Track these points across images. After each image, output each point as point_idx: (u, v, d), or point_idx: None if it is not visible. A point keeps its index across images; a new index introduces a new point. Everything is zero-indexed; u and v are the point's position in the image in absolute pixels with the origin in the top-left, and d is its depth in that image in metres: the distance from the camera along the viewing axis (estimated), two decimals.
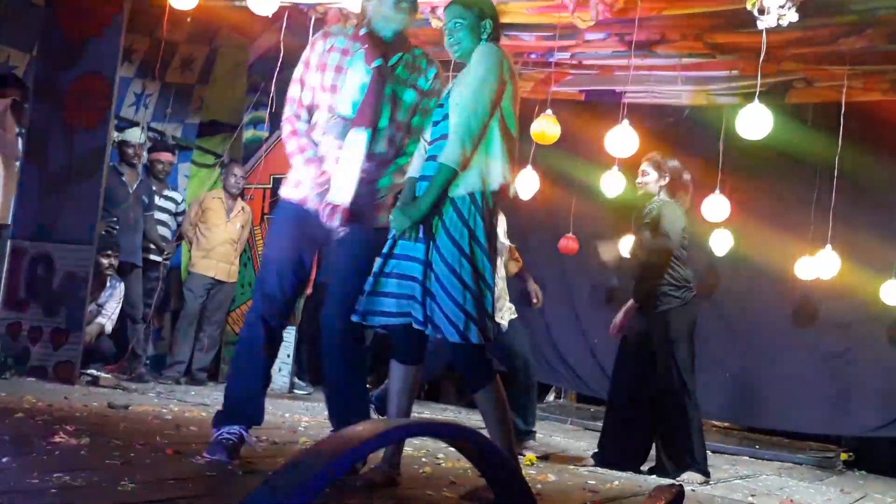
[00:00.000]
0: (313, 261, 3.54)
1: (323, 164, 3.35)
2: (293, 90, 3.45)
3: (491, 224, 3.15)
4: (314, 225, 3.35)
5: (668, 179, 5.09)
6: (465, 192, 3.08)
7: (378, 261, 3.19)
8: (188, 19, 6.35)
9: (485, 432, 3.13)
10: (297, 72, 3.47)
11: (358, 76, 3.34)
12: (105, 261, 6.34)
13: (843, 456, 7.20)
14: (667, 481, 4.54)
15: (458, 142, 3.04)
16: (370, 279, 3.18)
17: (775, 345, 7.69)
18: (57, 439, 3.08)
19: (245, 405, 3.43)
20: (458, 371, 3.25)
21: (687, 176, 5.18)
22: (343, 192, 3.27)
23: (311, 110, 3.43)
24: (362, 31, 3.43)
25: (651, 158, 5.18)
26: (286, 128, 3.45)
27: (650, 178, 5.13)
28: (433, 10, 5.71)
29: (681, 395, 4.84)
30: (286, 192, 3.45)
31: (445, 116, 3.16)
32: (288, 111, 3.45)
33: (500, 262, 5.23)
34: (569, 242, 7.68)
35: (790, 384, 7.55)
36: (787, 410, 7.58)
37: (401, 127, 3.40)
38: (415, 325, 3.11)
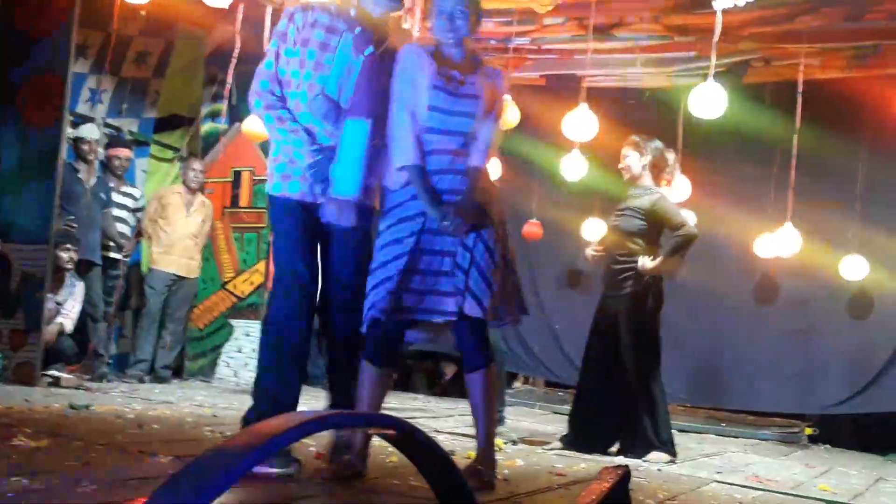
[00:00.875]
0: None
1: (312, 142, 3.23)
2: (267, 64, 3.30)
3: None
4: (315, 217, 3.26)
5: (650, 158, 5.05)
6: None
7: (403, 257, 3.12)
8: (142, 13, 6.24)
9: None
10: (272, 44, 3.34)
11: (347, 59, 3.23)
12: (64, 255, 6.19)
13: (808, 431, 7.28)
14: (634, 461, 4.58)
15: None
16: (394, 276, 3.10)
17: (737, 323, 7.75)
18: (15, 442, 3.02)
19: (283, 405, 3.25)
20: (464, 346, 3.22)
21: (670, 155, 5.14)
22: (350, 187, 3.17)
23: (282, 85, 3.29)
24: (353, 12, 3.31)
25: (630, 141, 5.12)
26: (259, 102, 3.29)
27: (632, 160, 5.06)
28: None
29: (647, 376, 4.86)
30: (277, 187, 3.31)
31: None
32: (259, 86, 3.29)
33: None
34: (532, 228, 7.68)
35: (753, 363, 7.62)
36: (751, 389, 7.66)
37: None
38: (443, 319, 3.14)
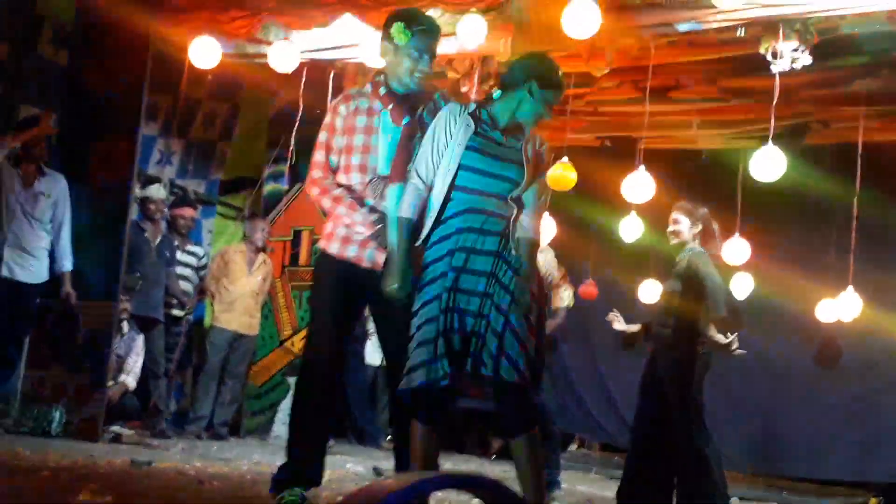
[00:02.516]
0: (359, 317, 3.59)
1: (370, 214, 3.40)
2: (319, 155, 3.54)
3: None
4: (363, 282, 3.41)
5: (700, 227, 5.07)
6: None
7: (438, 318, 3.16)
8: (209, 77, 6.45)
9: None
10: (322, 137, 3.56)
11: (389, 135, 3.45)
12: (120, 306, 6.34)
13: (873, 501, 7.07)
14: None
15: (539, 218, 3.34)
16: (438, 340, 3.14)
17: (799, 389, 7.60)
18: (81, 498, 3.08)
19: (305, 467, 3.45)
20: (504, 412, 3.21)
21: (714, 225, 5.18)
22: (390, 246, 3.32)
23: (335, 173, 3.52)
24: (382, 91, 3.51)
25: (682, 207, 5.14)
26: (315, 189, 3.52)
27: (683, 227, 5.07)
28: (449, 62, 5.78)
29: (700, 442, 4.80)
30: (333, 247, 3.49)
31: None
32: (315, 174, 3.52)
33: None
34: (588, 288, 7.66)
35: (815, 429, 7.45)
36: (814, 457, 7.48)
37: None
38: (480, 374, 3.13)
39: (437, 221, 3.25)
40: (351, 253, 3.45)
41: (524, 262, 3.25)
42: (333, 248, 3.48)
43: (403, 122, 3.44)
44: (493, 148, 3.28)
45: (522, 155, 3.30)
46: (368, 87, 3.60)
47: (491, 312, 3.15)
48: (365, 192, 3.44)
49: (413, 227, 3.28)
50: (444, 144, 3.27)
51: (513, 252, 3.24)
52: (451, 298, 3.16)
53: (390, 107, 3.47)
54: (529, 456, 3.18)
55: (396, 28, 3.46)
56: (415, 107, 3.48)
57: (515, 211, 3.28)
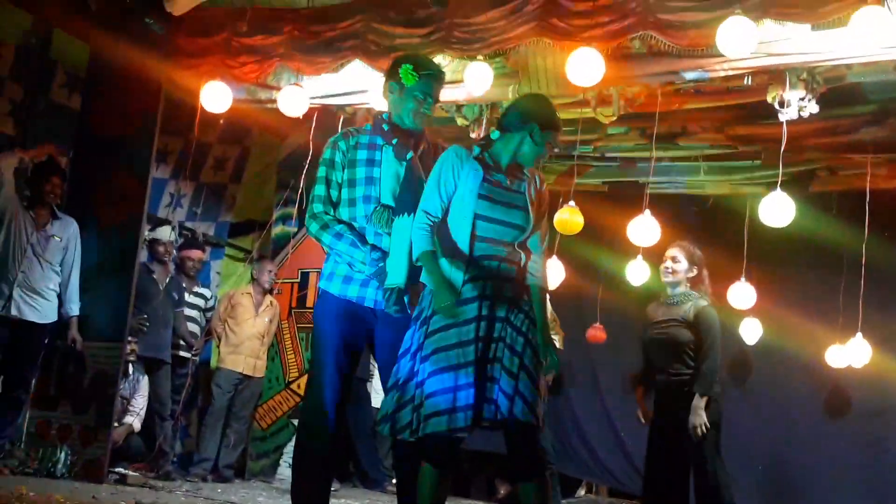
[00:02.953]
0: (361, 357, 3.60)
1: (372, 252, 3.43)
2: (319, 189, 3.56)
3: None
4: (365, 321, 3.46)
5: (696, 272, 5.11)
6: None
7: (460, 364, 3.16)
8: (220, 121, 6.52)
9: None
10: (321, 171, 3.59)
11: (392, 168, 3.49)
12: (126, 347, 6.34)
13: None
14: None
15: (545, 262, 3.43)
16: (462, 390, 3.13)
17: (808, 435, 7.52)
18: None
19: None
20: (516, 455, 3.19)
21: (705, 270, 5.21)
22: (398, 276, 3.34)
23: (336, 207, 3.54)
24: (385, 127, 3.58)
25: (682, 246, 5.18)
26: (315, 224, 3.53)
27: (681, 267, 5.12)
28: (459, 108, 5.84)
29: (726, 488, 4.80)
30: (335, 288, 3.50)
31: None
32: (315, 208, 3.54)
33: None
34: (596, 332, 7.65)
35: (825, 476, 7.36)
36: (822, 503, 7.38)
37: None
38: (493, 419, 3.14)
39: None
40: (353, 293, 3.47)
41: (536, 306, 3.28)
42: (334, 287, 3.50)
43: (407, 156, 3.51)
44: (500, 194, 3.33)
45: (527, 198, 3.35)
46: (368, 126, 3.69)
47: (504, 355, 3.16)
48: (367, 225, 3.48)
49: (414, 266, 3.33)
50: (453, 186, 3.31)
51: (525, 297, 3.28)
52: (478, 346, 3.18)
53: (394, 141, 3.54)
54: (541, 501, 3.16)
55: (404, 70, 3.53)
56: (417, 144, 3.56)
57: (524, 257, 3.32)
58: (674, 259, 5.16)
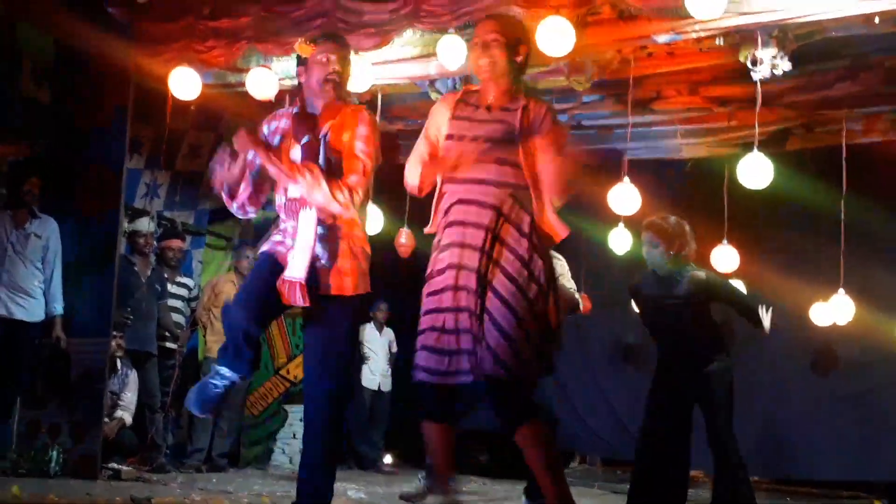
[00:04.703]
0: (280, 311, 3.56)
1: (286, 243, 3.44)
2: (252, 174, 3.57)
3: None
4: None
5: (676, 245, 4.90)
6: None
7: (429, 314, 3.13)
8: (192, 107, 6.45)
9: None
10: (249, 154, 3.52)
11: (296, 155, 3.44)
12: (112, 342, 6.32)
13: (877, 503, 7.06)
14: None
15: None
16: (431, 333, 3.11)
17: (797, 393, 7.60)
18: None
19: None
20: (498, 411, 3.07)
21: (687, 227, 5.05)
22: (297, 269, 3.33)
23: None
24: (294, 110, 3.53)
25: (653, 224, 4.94)
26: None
27: (658, 251, 4.90)
28: (432, 83, 5.80)
29: (738, 452, 4.84)
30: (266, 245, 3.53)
31: None
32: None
33: None
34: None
35: (815, 432, 7.45)
36: (815, 459, 7.46)
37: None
38: (461, 380, 3.06)
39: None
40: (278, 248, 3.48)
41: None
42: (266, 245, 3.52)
43: (303, 140, 3.42)
44: (477, 113, 3.24)
45: (505, 115, 3.20)
46: (297, 109, 3.57)
47: (471, 306, 3.07)
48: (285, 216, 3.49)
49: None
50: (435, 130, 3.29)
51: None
52: (440, 299, 3.12)
53: (290, 124, 3.50)
54: (538, 448, 3.05)
55: (299, 44, 3.51)
56: (319, 126, 3.44)
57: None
58: (650, 243, 4.97)
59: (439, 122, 3.26)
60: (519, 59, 3.23)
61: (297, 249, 3.35)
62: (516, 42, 3.22)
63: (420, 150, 3.29)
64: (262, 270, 3.47)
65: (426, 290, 3.19)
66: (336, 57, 3.47)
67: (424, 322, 3.16)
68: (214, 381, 3.38)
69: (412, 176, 3.26)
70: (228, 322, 3.41)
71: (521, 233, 3.12)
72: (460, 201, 3.15)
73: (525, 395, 3.10)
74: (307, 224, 3.37)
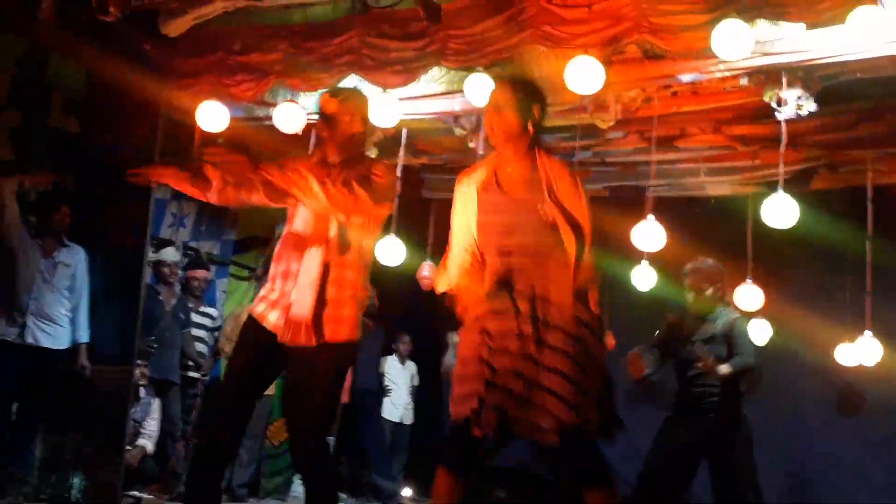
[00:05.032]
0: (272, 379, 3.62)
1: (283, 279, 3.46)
2: None
3: None
4: (273, 344, 3.41)
5: (718, 286, 5.16)
6: None
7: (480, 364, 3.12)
8: (219, 140, 6.53)
9: None
10: None
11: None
12: (136, 371, 6.36)
13: None
14: None
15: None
16: (476, 386, 3.09)
17: (822, 434, 7.50)
18: None
19: None
20: (565, 464, 3.08)
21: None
22: (301, 308, 3.34)
23: None
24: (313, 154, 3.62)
25: (697, 270, 5.23)
26: None
27: (706, 297, 5.18)
28: (456, 119, 5.84)
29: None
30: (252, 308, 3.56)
31: None
32: None
33: None
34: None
35: (840, 475, 7.34)
36: (841, 502, 7.35)
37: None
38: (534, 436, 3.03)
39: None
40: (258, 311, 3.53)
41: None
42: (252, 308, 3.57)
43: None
44: (504, 185, 3.28)
45: (530, 184, 3.25)
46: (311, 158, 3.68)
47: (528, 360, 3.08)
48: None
49: None
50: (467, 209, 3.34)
51: None
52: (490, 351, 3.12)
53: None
54: None
55: (322, 98, 3.57)
56: (335, 169, 3.48)
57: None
58: (697, 289, 5.24)
59: (466, 204, 3.28)
60: (533, 120, 3.24)
61: (301, 286, 3.35)
62: (529, 103, 3.24)
63: (454, 256, 3.31)
64: (245, 350, 3.51)
65: (466, 333, 3.19)
66: (359, 117, 3.54)
67: (466, 367, 3.14)
68: None
69: (441, 283, 3.32)
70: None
71: (565, 291, 3.17)
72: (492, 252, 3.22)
73: (598, 451, 3.09)
74: (311, 262, 3.37)
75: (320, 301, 3.34)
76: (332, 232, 3.41)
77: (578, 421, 2.99)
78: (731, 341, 5.08)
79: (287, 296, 3.40)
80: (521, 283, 3.15)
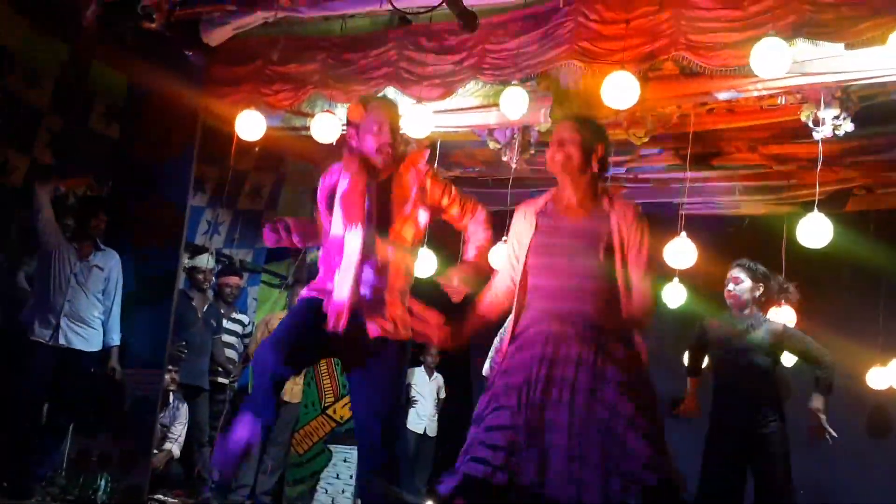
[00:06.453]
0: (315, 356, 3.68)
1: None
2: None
3: None
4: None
5: (762, 290, 5.00)
6: None
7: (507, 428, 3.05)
8: (256, 149, 6.60)
9: None
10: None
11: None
12: (167, 376, 6.41)
13: None
14: None
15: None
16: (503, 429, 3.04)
17: (850, 456, 7.40)
18: None
19: None
20: None
21: (786, 285, 5.14)
22: (341, 291, 3.44)
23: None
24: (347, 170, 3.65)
25: (743, 266, 5.11)
26: None
27: (743, 287, 5.04)
28: (490, 132, 5.86)
29: None
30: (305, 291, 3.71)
31: None
32: None
33: None
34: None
35: (866, 497, 7.24)
36: None
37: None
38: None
39: None
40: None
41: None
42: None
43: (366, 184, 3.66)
44: (557, 222, 3.32)
45: (590, 225, 3.28)
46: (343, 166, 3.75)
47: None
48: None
49: None
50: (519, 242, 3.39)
51: None
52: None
53: (353, 170, 3.66)
54: None
55: (351, 107, 3.65)
56: (383, 172, 3.64)
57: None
58: (735, 280, 5.07)
59: (520, 232, 3.31)
60: (596, 158, 3.25)
61: (343, 269, 3.46)
62: (592, 141, 3.26)
63: (500, 280, 3.37)
64: (298, 313, 3.60)
65: (499, 375, 3.17)
66: (388, 126, 3.57)
67: (497, 415, 3.08)
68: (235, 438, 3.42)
69: (484, 301, 3.40)
70: (258, 366, 3.44)
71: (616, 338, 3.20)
72: (539, 289, 3.22)
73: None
74: (353, 243, 3.48)
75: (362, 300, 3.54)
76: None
77: (662, 461, 2.96)
78: (790, 348, 4.98)
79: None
80: (570, 305, 3.14)
